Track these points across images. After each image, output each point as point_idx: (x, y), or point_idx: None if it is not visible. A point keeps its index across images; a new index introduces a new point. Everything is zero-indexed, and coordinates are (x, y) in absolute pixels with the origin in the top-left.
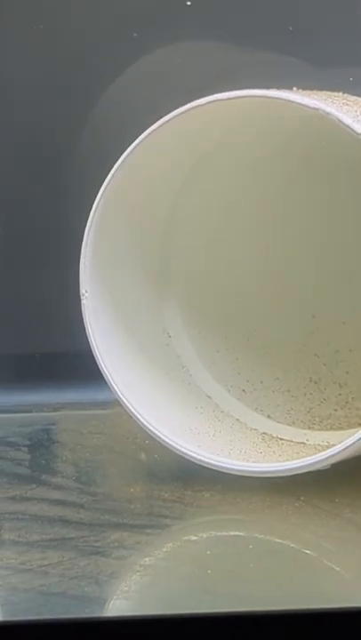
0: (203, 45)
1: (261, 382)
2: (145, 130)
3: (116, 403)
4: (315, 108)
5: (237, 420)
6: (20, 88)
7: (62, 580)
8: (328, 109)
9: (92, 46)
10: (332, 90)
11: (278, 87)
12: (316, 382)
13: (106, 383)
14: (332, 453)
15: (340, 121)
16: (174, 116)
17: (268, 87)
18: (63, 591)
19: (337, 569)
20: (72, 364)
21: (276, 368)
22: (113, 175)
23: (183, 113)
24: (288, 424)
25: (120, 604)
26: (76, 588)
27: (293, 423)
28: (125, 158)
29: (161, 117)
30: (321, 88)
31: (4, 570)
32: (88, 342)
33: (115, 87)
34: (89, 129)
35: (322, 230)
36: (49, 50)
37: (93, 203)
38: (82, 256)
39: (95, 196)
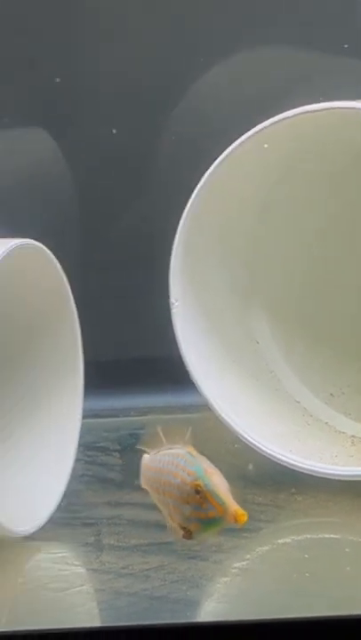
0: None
1: (349, 385)
2: (235, 139)
3: (203, 407)
4: None
5: (326, 423)
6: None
7: (163, 584)
8: None
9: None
10: None
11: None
12: None
13: (192, 388)
14: None
15: None
16: (263, 128)
17: (350, 98)
18: (165, 595)
19: None
20: (157, 369)
21: None
22: (202, 186)
23: (272, 124)
24: None
25: (222, 607)
26: (178, 592)
27: None
28: (213, 170)
29: (249, 127)
30: None
31: (107, 574)
32: (173, 347)
33: (203, 88)
34: (178, 134)
35: None
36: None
37: (182, 211)
38: (171, 266)
39: (185, 204)
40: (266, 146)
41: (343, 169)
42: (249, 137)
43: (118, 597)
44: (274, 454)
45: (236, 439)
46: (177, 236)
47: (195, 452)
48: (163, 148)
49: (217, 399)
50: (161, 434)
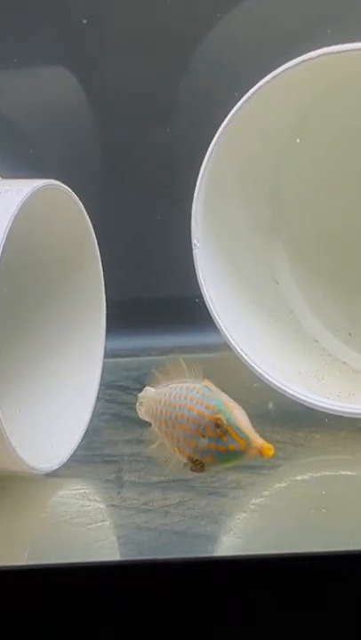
0: None
1: None
2: (256, 82)
3: (223, 346)
4: None
5: (344, 362)
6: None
7: (184, 520)
8: None
9: None
10: None
11: None
12: None
13: (212, 328)
14: None
15: None
16: (286, 69)
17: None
18: (184, 530)
19: None
20: (178, 309)
21: None
22: (225, 126)
23: (294, 66)
24: None
25: (240, 542)
26: (197, 527)
27: None
28: (237, 110)
29: (270, 69)
30: None
31: (128, 510)
32: (193, 288)
33: (220, 32)
34: (200, 77)
35: None
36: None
37: (205, 150)
38: (193, 207)
39: (207, 147)
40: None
41: None
42: (271, 79)
43: (139, 532)
44: (293, 393)
45: (255, 378)
46: (199, 179)
47: (212, 386)
48: (186, 90)
49: (236, 339)
50: (170, 370)
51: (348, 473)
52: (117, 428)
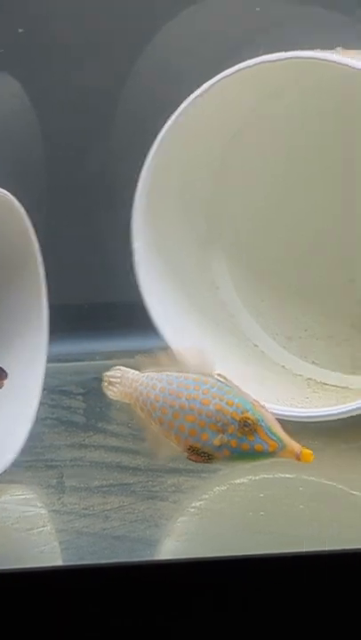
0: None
1: (305, 330)
2: (194, 89)
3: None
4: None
5: (283, 366)
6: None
7: (124, 524)
8: None
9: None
10: None
11: (322, 45)
12: (357, 328)
13: (155, 331)
14: None
15: None
16: (223, 77)
17: (312, 46)
18: (124, 534)
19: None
20: (121, 314)
21: (319, 316)
22: (164, 134)
23: (232, 74)
24: (332, 369)
25: (179, 545)
26: (137, 531)
27: (337, 368)
28: (176, 118)
29: (209, 77)
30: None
31: (69, 515)
32: (136, 293)
33: (160, 42)
34: (143, 84)
35: None
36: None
37: (142, 163)
38: (133, 213)
39: (146, 154)
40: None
41: (303, 117)
42: (208, 88)
43: (79, 537)
44: None
45: None
46: (138, 187)
47: (226, 379)
48: (128, 97)
49: (177, 343)
50: (160, 359)
51: (287, 476)
52: (60, 433)
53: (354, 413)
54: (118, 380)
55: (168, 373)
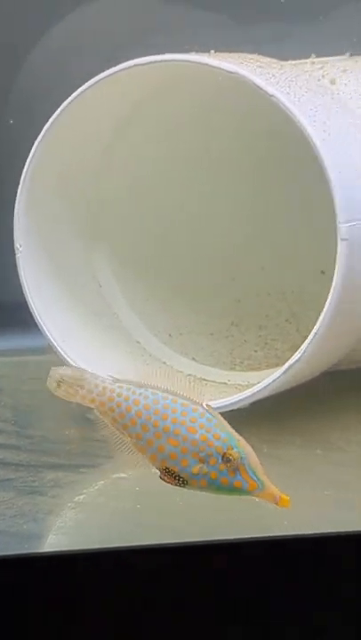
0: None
1: (186, 327)
2: (72, 92)
3: (52, 349)
4: (231, 72)
5: (164, 363)
6: None
7: (3, 519)
8: (242, 72)
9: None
10: (254, 45)
11: (198, 48)
12: (237, 325)
13: (37, 330)
14: (252, 392)
15: (253, 83)
16: (98, 80)
17: (188, 49)
18: (4, 529)
19: (257, 500)
20: (6, 313)
21: (200, 313)
22: (44, 134)
23: (106, 77)
24: (212, 365)
25: (57, 539)
26: (15, 526)
27: (217, 365)
28: (55, 118)
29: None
30: (239, 44)
31: None
32: (19, 292)
33: (41, 47)
34: (20, 87)
35: (245, 183)
36: None
37: (25, 160)
38: (15, 212)
39: (27, 155)
40: None
41: (183, 117)
42: (85, 89)
43: None
44: None
45: None
46: (20, 183)
47: (212, 410)
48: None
49: (60, 342)
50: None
51: None
52: None
53: (230, 408)
54: (79, 382)
55: (153, 391)
